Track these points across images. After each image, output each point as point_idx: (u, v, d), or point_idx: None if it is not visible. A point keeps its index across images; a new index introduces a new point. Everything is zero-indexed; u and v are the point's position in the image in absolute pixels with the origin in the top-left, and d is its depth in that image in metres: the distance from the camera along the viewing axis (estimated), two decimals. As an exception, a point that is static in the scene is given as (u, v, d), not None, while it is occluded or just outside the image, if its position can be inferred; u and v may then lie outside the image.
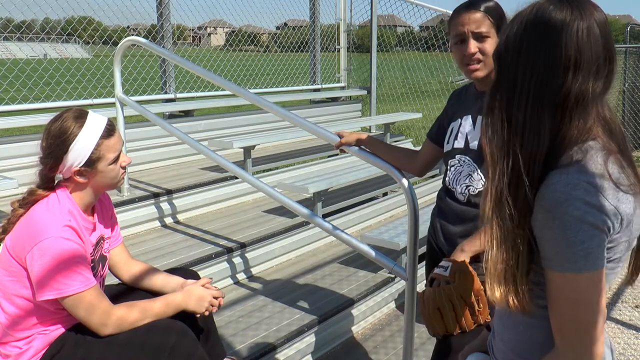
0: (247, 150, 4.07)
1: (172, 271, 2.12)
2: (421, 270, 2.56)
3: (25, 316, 1.70)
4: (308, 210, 2.65)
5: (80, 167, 1.74)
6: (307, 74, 6.46)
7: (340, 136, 2.21)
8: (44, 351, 1.73)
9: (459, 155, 1.84)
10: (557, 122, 0.96)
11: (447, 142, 1.89)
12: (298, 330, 2.67)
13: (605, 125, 1.00)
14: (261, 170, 4.37)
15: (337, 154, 4.82)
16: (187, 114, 4.72)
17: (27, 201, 1.74)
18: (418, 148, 2.13)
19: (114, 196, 3.37)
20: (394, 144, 5.50)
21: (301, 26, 6.84)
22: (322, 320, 2.80)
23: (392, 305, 3.36)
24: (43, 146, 1.75)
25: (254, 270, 3.35)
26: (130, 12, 4.81)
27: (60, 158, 1.72)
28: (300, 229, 3.64)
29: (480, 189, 1.79)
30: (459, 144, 1.84)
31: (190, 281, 2.01)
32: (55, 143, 1.72)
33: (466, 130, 1.83)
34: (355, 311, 3.04)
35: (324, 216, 3.66)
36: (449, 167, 1.88)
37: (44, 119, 1.80)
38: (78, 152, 1.72)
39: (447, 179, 1.90)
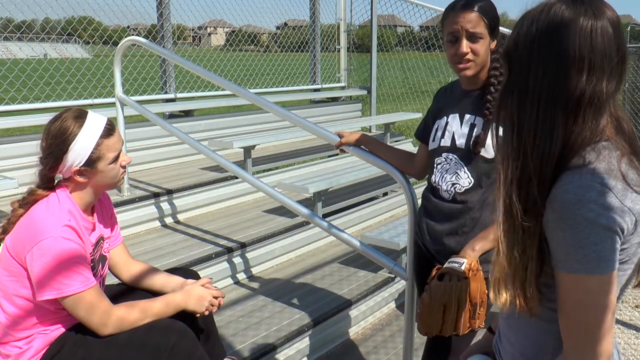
0: (247, 150, 4.07)
1: (173, 271, 2.12)
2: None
3: (25, 316, 1.70)
4: (308, 210, 2.65)
5: (80, 166, 1.74)
6: (307, 74, 6.46)
7: (340, 136, 2.21)
8: (44, 351, 1.73)
9: (445, 153, 1.84)
10: (571, 123, 0.94)
11: (433, 140, 1.88)
12: (298, 330, 2.67)
13: (617, 125, 0.98)
14: (261, 170, 4.37)
15: (337, 154, 4.82)
16: (187, 113, 4.72)
17: (27, 201, 1.74)
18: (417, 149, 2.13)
19: (114, 196, 3.37)
20: (393, 144, 5.50)
21: (301, 26, 6.84)
22: (322, 320, 2.80)
23: (392, 305, 3.36)
24: (43, 146, 1.75)
25: (254, 270, 3.35)
26: (130, 12, 4.82)
27: (60, 158, 1.72)
28: (301, 229, 3.64)
29: (467, 187, 1.79)
30: (446, 142, 1.84)
31: (190, 281, 2.01)
32: (55, 143, 1.72)
33: (453, 128, 1.83)
34: (355, 311, 3.04)
35: (324, 216, 3.66)
36: (435, 165, 1.88)
37: (44, 119, 1.80)
38: (78, 152, 1.72)
39: (432, 177, 1.90)
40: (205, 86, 5.22)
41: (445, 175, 1.83)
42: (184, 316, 1.88)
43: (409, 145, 5.79)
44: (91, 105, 4.09)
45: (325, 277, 3.27)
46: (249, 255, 3.31)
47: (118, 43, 3.39)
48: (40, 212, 1.70)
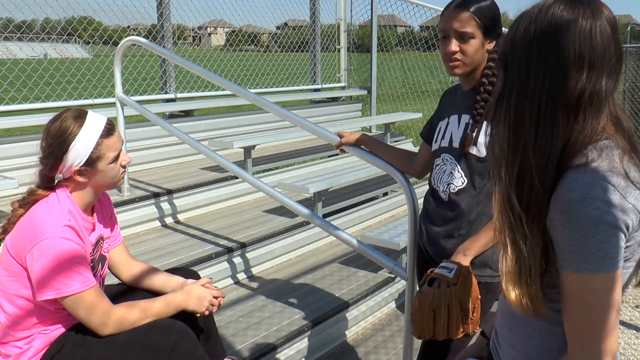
0: (248, 150, 4.07)
1: (173, 271, 2.12)
2: (421, 270, 2.56)
3: (25, 316, 1.70)
4: (308, 210, 2.65)
5: (80, 166, 1.73)
6: (307, 74, 6.46)
7: (341, 136, 2.22)
8: (44, 351, 1.73)
9: (443, 154, 1.85)
10: (572, 122, 0.94)
11: (435, 141, 1.90)
12: (298, 330, 2.67)
13: (617, 123, 0.99)
14: (261, 170, 4.37)
15: (337, 154, 4.82)
16: (187, 113, 4.72)
17: (27, 201, 1.74)
18: (418, 149, 2.14)
19: (114, 196, 3.37)
20: (394, 144, 5.50)
21: (301, 26, 6.84)
22: (322, 320, 2.80)
23: (393, 305, 3.36)
24: (43, 146, 1.75)
25: (254, 270, 3.35)
26: (130, 12, 4.82)
27: (60, 158, 1.72)
28: (301, 229, 3.64)
29: (460, 187, 1.80)
30: (445, 142, 1.85)
31: (190, 281, 2.01)
32: (55, 143, 1.72)
33: (451, 129, 1.84)
34: (355, 311, 3.04)
35: (324, 216, 3.66)
36: (434, 166, 1.89)
37: (45, 119, 1.80)
38: (78, 152, 1.72)
39: (431, 178, 1.91)
40: (205, 86, 5.22)
41: (442, 176, 1.85)
42: (184, 316, 1.88)
43: (409, 145, 5.79)
44: (91, 105, 4.09)
45: (325, 277, 3.27)
46: (249, 255, 3.31)
47: (118, 43, 3.39)
48: (40, 212, 1.70)
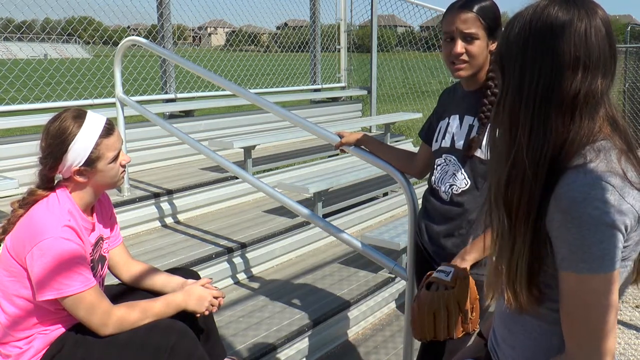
0: (248, 150, 4.07)
1: (173, 271, 2.12)
2: (421, 270, 2.56)
3: (25, 316, 1.70)
4: (308, 210, 2.65)
5: (80, 166, 1.73)
6: (307, 74, 6.46)
7: (341, 136, 2.21)
8: (44, 351, 1.73)
9: (445, 155, 1.85)
10: (567, 122, 0.95)
11: (435, 141, 1.90)
12: (298, 330, 2.67)
13: (613, 123, 0.99)
14: (261, 171, 4.37)
15: (337, 154, 4.82)
16: (187, 114, 4.72)
17: (27, 201, 1.74)
18: (417, 149, 2.14)
19: (114, 196, 3.37)
20: (394, 144, 5.50)
21: (301, 26, 6.84)
22: (322, 320, 2.80)
23: (393, 305, 3.36)
24: (42, 146, 1.75)
25: (255, 270, 3.35)
26: (130, 12, 4.81)
27: (60, 158, 1.72)
28: (301, 229, 3.64)
29: (464, 188, 1.80)
30: (446, 143, 1.84)
31: (190, 281, 2.01)
32: (55, 143, 1.72)
33: (453, 129, 1.84)
34: (355, 311, 3.04)
35: (325, 216, 3.66)
36: (435, 166, 1.89)
37: (45, 119, 1.80)
38: (77, 152, 1.72)
39: (432, 178, 1.91)
40: (205, 86, 5.22)
41: (444, 177, 1.85)
42: (184, 316, 1.88)
43: (409, 146, 5.79)
44: (91, 106, 4.09)
45: (325, 277, 3.27)
46: (249, 255, 3.31)
47: (118, 43, 3.39)
48: (40, 213, 1.70)
